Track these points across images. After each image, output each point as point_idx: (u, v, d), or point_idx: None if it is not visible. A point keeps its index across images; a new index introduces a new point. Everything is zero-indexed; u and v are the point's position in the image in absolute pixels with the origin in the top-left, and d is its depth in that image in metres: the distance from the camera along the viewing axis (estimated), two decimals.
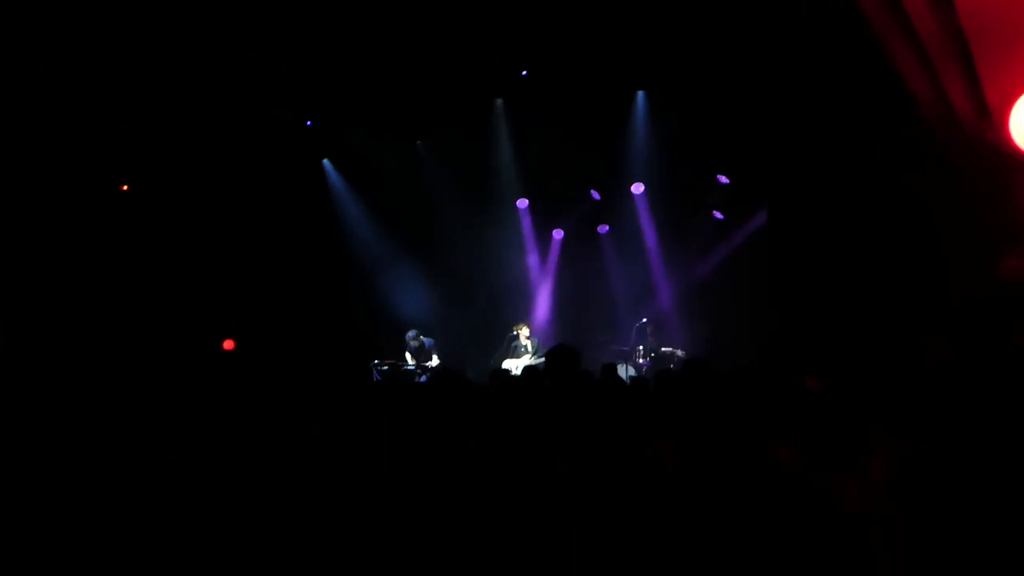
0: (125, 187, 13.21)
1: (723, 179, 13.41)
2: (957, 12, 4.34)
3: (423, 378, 12.23)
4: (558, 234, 14.89)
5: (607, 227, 14.59)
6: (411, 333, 12.83)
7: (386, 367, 12.94)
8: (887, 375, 4.00)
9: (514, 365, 12.23)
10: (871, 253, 8.57)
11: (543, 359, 11.15)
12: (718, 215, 13.71)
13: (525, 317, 14.04)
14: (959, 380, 3.28)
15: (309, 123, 13.22)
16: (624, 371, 12.13)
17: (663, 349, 12.71)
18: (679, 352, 12.41)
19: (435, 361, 12.72)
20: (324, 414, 3.51)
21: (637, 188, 13.93)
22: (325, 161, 14.14)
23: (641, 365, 12.70)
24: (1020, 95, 3.97)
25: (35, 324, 11.13)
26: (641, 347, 12.95)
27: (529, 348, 12.75)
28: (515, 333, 12.98)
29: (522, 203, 14.68)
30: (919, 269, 7.51)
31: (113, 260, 12.24)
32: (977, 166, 5.35)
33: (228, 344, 13.73)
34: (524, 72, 11.85)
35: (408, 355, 12.88)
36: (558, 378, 4.99)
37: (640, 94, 12.43)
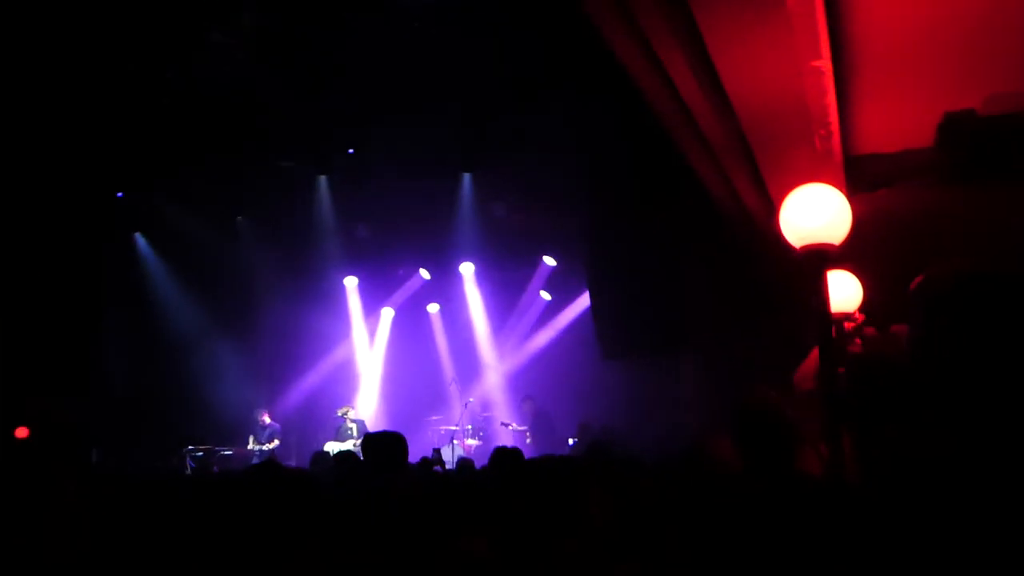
0: None
1: (549, 261, 13.73)
2: (739, 121, 4.66)
3: (255, 460, 11.64)
4: (387, 312, 14.75)
5: (436, 305, 14.61)
6: (258, 411, 12.43)
7: (200, 453, 12.22)
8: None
9: (337, 448, 11.82)
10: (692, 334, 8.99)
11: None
12: (545, 296, 14.00)
13: (351, 398, 13.71)
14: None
15: (120, 195, 12.50)
16: (451, 451, 11.98)
17: (502, 423, 12.74)
18: (515, 426, 12.47)
19: (275, 444, 12.17)
20: (61, 515, 3.14)
21: (467, 268, 14.05)
22: (137, 235, 13.41)
23: (469, 445, 12.61)
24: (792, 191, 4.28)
25: None
26: (470, 426, 12.88)
27: (355, 432, 12.38)
28: (341, 415, 12.61)
29: (349, 280, 14.47)
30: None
31: None
32: (770, 256, 5.68)
33: (21, 432, 12.51)
34: (351, 151, 11.76)
35: (251, 437, 12.34)
36: (377, 469, 4.73)
37: (466, 176, 12.60)
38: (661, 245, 8.51)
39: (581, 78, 7.99)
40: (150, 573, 3.16)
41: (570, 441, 11.35)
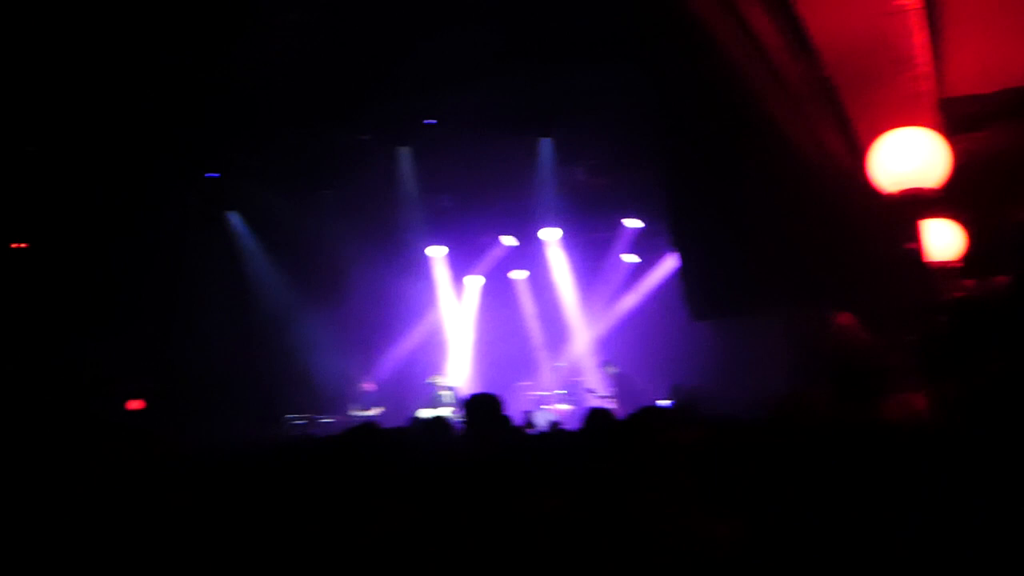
0: (24, 244, 12.70)
1: (633, 223, 13.58)
2: (823, 65, 4.49)
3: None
4: (474, 280, 14.89)
5: (523, 272, 14.67)
6: (362, 380, 12.93)
7: (301, 421, 12.67)
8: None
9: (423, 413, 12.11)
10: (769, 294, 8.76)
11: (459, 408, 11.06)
12: (630, 259, 13.88)
13: (441, 366, 13.96)
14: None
15: (215, 175, 12.91)
16: (543, 416, 12.06)
17: (586, 390, 12.70)
18: (599, 392, 12.43)
19: (380, 410, 12.55)
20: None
21: (550, 233, 14.04)
22: (231, 214, 13.84)
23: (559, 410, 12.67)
24: (883, 134, 4.09)
25: None
26: (560, 391, 12.94)
27: (447, 399, 12.60)
28: (432, 383, 12.87)
29: (435, 250, 14.64)
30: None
31: (13, 319, 11.69)
32: (852, 201, 5.48)
33: (136, 404, 13.19)
34: (428, 121, 11.83)
35: (355, 405, 12.79)
36: (478, 427, 4.84)
37: (544, 141, 12.53)
38: (745, 200, 8.28)
39: (655, 31, 7.80)
40: (265, 523, 3.30)
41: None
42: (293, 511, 3.37)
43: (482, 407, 4.93)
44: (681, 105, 8.82)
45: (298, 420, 12.68)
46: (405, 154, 12.91)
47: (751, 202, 8.05)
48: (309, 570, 3.07)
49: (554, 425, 8.42)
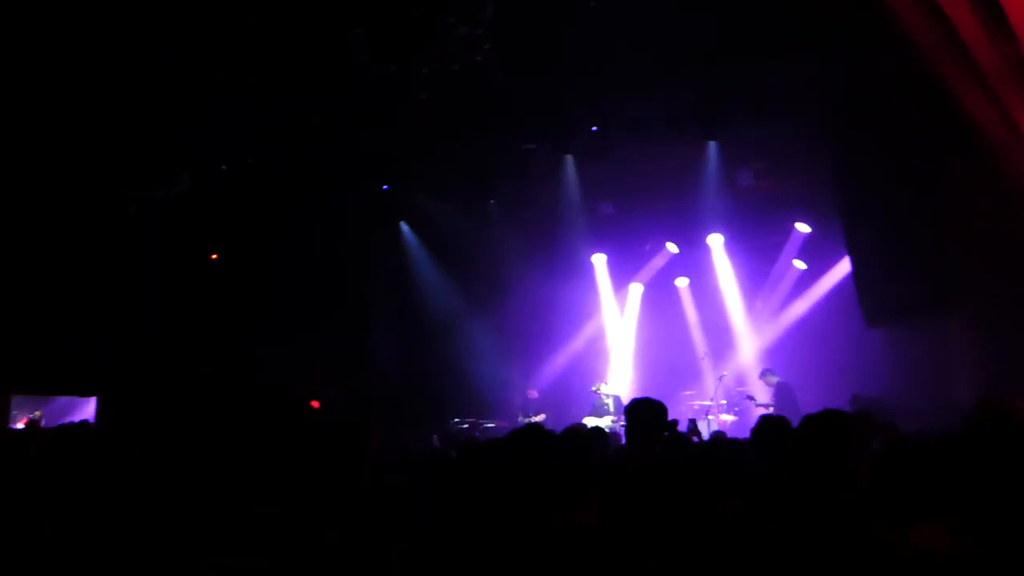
0: (214, 256, 13.76)
1: (802, 228, 13.10)
2: (1021, 43, 4.18)
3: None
4: (636, 287, 14.80)
5: (685, 279, 14.45)
6: (526, 387, 13.11)
7: (465, 426, 12.98)
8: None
9: (594, 423, 12.08)
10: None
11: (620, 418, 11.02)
12: (799, 264, 13.38)
13: (603, 374, 13.94)
14: None
15: (386, 187, 13.51)
16: (707, 426, 11.80)
17: (747, 397, 12.30)
18: (764, 404, 11.98)
19: (542, 417, 12.67)
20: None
21: (715, 239, 13.77)
22: (402, 223, 14.42)
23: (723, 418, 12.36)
24: None
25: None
26: (724, 401, 12.63)
27: (611, 407, 12.54)
28: (595, 391, 12.86)
29: (597, 257, 14.67)
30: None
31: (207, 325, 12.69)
32: None
33: (313, 404, 13.99)
34: (594, 128, 11.87)
35: (519, 411, 12.99)
36: (641, 433, 4.81)
37: (711, 144, 12.28)
38: (924, 197, 7.80)
39: (838, 21, 7.49)
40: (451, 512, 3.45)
41: None
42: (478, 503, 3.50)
43: (645, 412, 4.89)
44: (862, 99, 8.46)
45: (463, 424, 12.99)
46: (569, 161, 13.02)
47: (940, 197, 7.59)
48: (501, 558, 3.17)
49: (717, 435, 8.20)
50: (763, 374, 12.13)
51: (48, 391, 13.21)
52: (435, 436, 11.82)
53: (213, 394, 11.29)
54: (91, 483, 3.85)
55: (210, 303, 12.93)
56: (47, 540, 3.11)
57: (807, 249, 13.26)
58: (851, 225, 10.24)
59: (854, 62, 8.47)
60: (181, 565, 3.04)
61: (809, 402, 10.88)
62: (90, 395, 13.16)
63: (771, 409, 11.51)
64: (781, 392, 11.59)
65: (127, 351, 12.09)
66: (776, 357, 13.01)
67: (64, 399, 14.27)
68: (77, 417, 12.61)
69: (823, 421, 3.78)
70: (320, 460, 3.55)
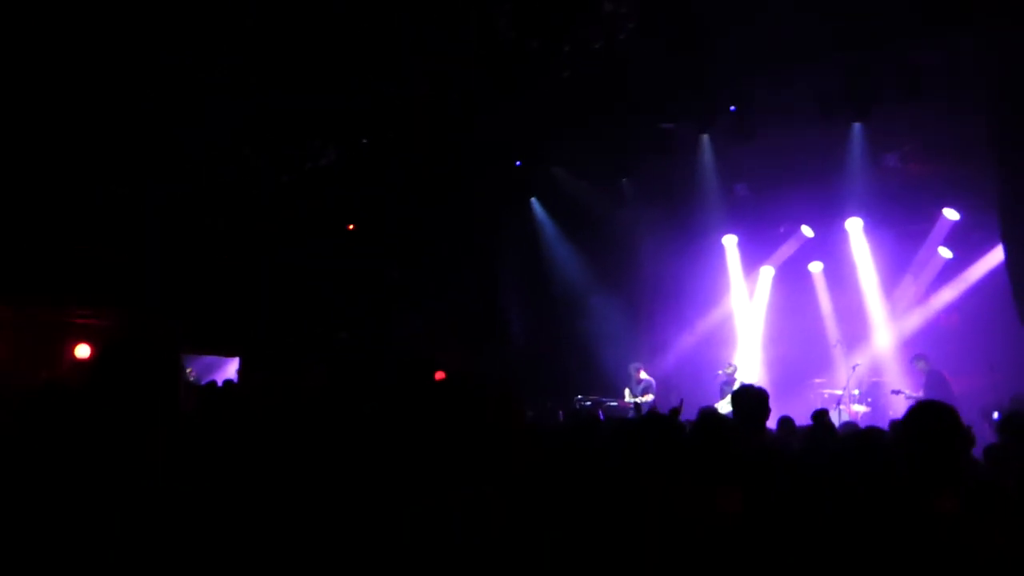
0: (351, 227, 14.29)
1: (951, 214, 12.50)
2: None
3: (631, 413, 12.21)
4: (767, 271, 14.50)
5: (820, 263, 14.05)
6: (633, 365, 12.91)
7: (588, 403, 13.09)
8: None
9: (727, 408, 11.99)
10: None
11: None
12: (945, 252, 12.78)
13: (731, 357, 13.75)
14: None
15: (519, 163, 13.67)
16: (837, 416, 11.46)
17: (893, 391, 11.76)
18: (907, 392, 11.43)
19: (649, 398, 12.65)
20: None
21: (854, 224, 13.30)
22: (533, 199, 14.58)
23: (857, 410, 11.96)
24: None
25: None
26: (856, 391, 12.22)
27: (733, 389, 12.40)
28: (724, 374, 12.73)
29: (728, 239, 14.44)
30: None
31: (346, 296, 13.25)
32: None
33: (439, 375, 14.41)
34: (732, 108, 11.66)
35: (627, 390, 12.98)
36: (744, 422, 4.85)
37: (857, 126, 11.83)
38: None
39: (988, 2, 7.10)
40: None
41: (994, 415, 10.09)
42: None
43: (751, 400, 4.91)
44: (1016, 84, 7.99)
45: (586, 401, 13.10)
46: (705, 141, 12.85)
47: None
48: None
49: (847, 426, 7.95)
50: (915, 359, 11.58)
51: (200, 351, 14.05)
52: (560, 412, 11.99)
53: (352, 359, 11.81)
54: (241, 433, 4.10)
55: (347, 273, 13.47)
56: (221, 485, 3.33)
57: (955, 237, 12.65)
58: (1007, 214, 9.70)
59: (1016, 41, 8.03)
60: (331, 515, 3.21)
61: (959, 395, 10.44)
62: (234, 355, 13.97)
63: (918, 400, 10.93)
64: (933, 380, 10.97)
65: (271, 317, 12.76)
66: (917, 348, 12.51)
67: (209, 358, 15.16)
68: (220, 376, 13.44)
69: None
70: (475, 431, 3.72)
